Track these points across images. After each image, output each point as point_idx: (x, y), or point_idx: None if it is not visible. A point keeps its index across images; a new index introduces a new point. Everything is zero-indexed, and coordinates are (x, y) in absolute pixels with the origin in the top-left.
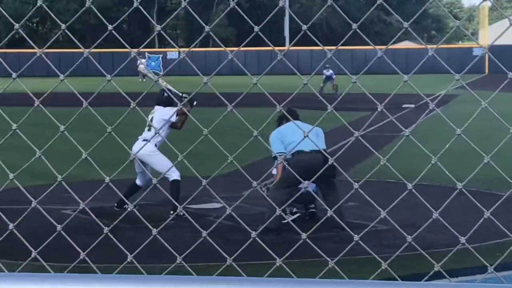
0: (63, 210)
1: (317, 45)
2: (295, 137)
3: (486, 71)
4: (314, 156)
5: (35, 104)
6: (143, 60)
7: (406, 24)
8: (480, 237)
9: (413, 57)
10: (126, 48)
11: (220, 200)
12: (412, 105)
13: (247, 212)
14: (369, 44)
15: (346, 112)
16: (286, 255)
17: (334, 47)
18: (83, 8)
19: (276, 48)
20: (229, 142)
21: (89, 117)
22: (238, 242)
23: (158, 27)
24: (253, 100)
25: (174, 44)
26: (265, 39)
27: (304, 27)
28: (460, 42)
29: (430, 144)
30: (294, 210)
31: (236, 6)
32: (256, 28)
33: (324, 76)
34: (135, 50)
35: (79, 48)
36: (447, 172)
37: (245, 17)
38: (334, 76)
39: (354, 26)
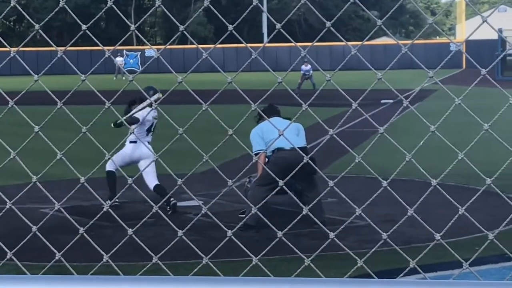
0: (41, 209)
1: (295, 41)
2: (275, 134)
3: (464, 65)
4: (294, 153)
5: (9, 105)
6: (120, 59)
7: (379, 22)
8: (459, 231)
9: (391, 53)
10: (103, 46)
11: (195, 199)
12: (391, 101)
13: (228, 209)
14: (347, 40)
15: (325, 108)
16: (263, 253)
17: (310, 43)
18: (57, 8)
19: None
20: (212, 140)
21: (68, 116)
22: (219, 240)
23: (132, 27)
24: (235, 97)
25: (150, 45)
26: (240, 38)
27: (278, 25)
28: (437, 37)
29: (411, 138)
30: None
31: (210, 6)
32: (230, 27)
33: (302, 72)
34: (111, 48)
35: (57, 46)
36: (421, 169)
37: (219, 16)
38: (311, 72)
39: (328, 24)
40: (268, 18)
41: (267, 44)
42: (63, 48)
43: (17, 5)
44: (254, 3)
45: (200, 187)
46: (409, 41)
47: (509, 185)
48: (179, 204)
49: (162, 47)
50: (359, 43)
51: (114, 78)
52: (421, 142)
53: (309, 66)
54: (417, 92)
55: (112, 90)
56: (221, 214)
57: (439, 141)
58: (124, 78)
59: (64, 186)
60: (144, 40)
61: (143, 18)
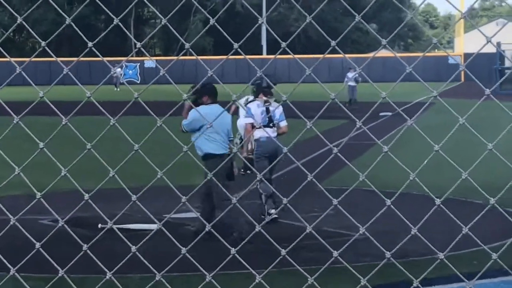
0: (40, 220)
1: (294, 54)
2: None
3: (462, 79)
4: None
5: (15, 121)
6: (119, 70)
7: (384, 42)
8: (458, 246)
9: (390, 66)
10: (102, 56)
11: (193, 211)
12: (389, 113)
13: (223, 221)
14: (346, 53)
15: (326, 120)
16: (266, 271)
17: (311, 56)
18: (62, 26)
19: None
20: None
21: (67, 126)
22: (219, 250)
23: (138, 44)
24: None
25: (151, 57)
26: (245, 56)
27: (283, 44)
28: (436, 50)
29: (411, 152)
30: (272, 211)
31: (215, 23)
32: (236, 45)
33: (347, 82)
34: (111, 59)
35: (56, 57)
36: (425, 188)
37: (224, 34)
38: (359, 80)
39: (333, 43)
40: (267, 31)
41: (266, 56)
42: (67, 68)
43: (23, 22)
44: (260, 22)
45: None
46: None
47: (508, 198)
48: (178, 216)
49: (161, 58)
50: (359, 55)
51: (115, 89)
52: (425, 161)
53: (355, 73)
54: (416, 105)
55: (113, 101)
56: (217, 226)
57: (438, 155)
58: (119, 89)
59: (63, 198)
60: (147, 55)
61: (145, 39)
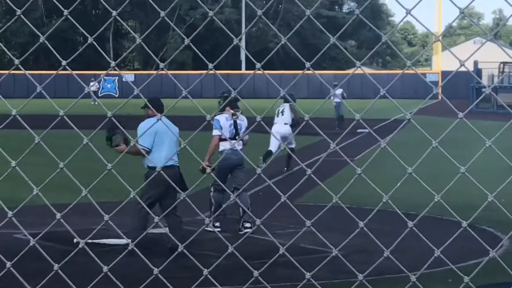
0: (15, 235)
1: (273, 69)
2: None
3: (439, 96)
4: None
5: None
6: (95, 84)
7: (358, 64)
8: (434, 263)
9: (367, 82)
10: (81, 71)
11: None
12: (366, 130)
13: (202, 237)
14: (324, 69)
15: (305, 136)
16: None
17: (290, 72)
18: (37, 44)
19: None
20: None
21: (45, 140)
22: (190, 268)
23: (112, 63)
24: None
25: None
26: (221, 78)
27: (258, 65)
28: (414, 68)
29: (387, 169)
30: (247, 225)
31: (190, 43)
32: (211, 66)
33: (333, 98)
34: (89, 72)
35: (33, 70)
36: (398, 211)
37: (199, 53)
38: (345, 96)
39: (308, 65)
40: (246, 45)
41: (244, 71)
42: (43, 72)
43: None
44: (234, 42)
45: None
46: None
47: (481, 217)
48: (155, 231)
49: (140, 72)
50: (337, 72)
51: (92, 103)
52: (398, 184)
53: (340, 90)
54: (391, 122)
55: (90, 115)
56: (195, 243)
57: (417, 173)
58: (96, 103)
59: (37, 212)
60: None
61: (122, 56)
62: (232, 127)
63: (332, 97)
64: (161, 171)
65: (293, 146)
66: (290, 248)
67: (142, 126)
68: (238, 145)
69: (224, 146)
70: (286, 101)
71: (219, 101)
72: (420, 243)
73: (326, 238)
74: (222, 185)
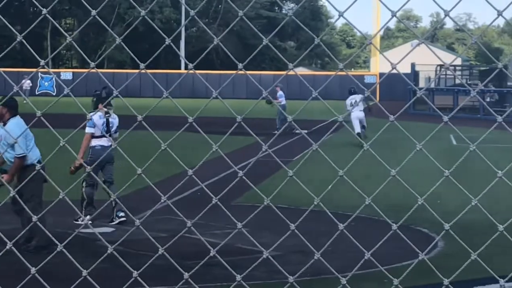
0: None
1: (212, 69)
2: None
3: (377, 98)
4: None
5: None
6: (28, 81)
7: (291, 66)
8: (368, 264)
9: (307, 83)
10: (18, 68)
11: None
12: (305, 131)
13: (139, 237)
14: (263, 70)
15: (244, 137)
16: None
17: (229, 72)
18: None
19: (171, 71)
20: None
21: None
22: (127, 267)
23: (42, 62)
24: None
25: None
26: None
27: (191, 65)
28: (352, 69)
29: (323, 169)
30: (121, 214)
31: (122, 43)
32: (142, 66)
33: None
34: (27, 70)
35: None
36: (330, 214)
37: (132, 54)
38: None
39: (240, 66)
40: (185, 45)
41: (184, 71)
42: None
43: None
44: (166, 42)
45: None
46: (326, 73)
47: (416, 217)
48: (89, 230)
49: (78, 70)
50: (276, 72)
51: (25, 101)
52: (329, 187)
53: (280, 92)
54: (330, 123)
55: (24, 113)
56: (133, 242)
57: (349, 172)
58: (25, 102)
59: None
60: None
61: (58, 49)
62: (105, 125)
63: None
64: (40, 169)
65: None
66: (228, 248)
67: (15, 131)
68: (109, 142)
69: (96, 142)
70: (268, 102)
71: (92, 99)
72: (359, 243)
73: (264, 238)
74: (97, 179)
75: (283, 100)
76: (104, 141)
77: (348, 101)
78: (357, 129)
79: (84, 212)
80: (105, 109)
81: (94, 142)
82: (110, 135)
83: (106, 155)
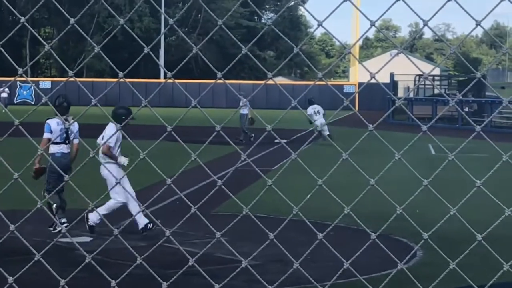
0: None
1: (191, 78)
2: None
3: (357, 107)
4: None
5: None
6: (6, 90)
7: (270, 75)
8: (348, 273)
9: (286, 92)
10: None
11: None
12: (284, 140)
13: (119, 246)
14: (242, 79)
15: (222, 146)
16: None
17: (208, 81)
18: None
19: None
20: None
21: None
22: (109, 277)
23: (20, 71)
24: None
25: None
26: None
27: (169, 74)
28: (331, 79)
29: (303, 179)
30: (63, 220)
31: (100, 51)
32: (121, 74)
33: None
34: (5, 79)
35: None
36: (307, 222)
37: (111, 63)
38: (248, 107)
39: (219, 75)
40: (164, 54)
41: (163, 80)
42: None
43: None
44: (145, 51)
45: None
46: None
47: (396, 227)
48: (68, 240)
49: (57, 79)
50: (255, 82)
51: (3, 111)
52: (308, 196)
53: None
54: (309, 132)
55: (1, 122)
56: (111, 251)
57: (329, 180)
58: (4, 111)
59: None
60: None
61: (37, 57)
62: (63, 131)
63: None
64: None
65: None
66: (207, 258)
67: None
68: (67, 149)
69: (56, 149)
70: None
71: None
72: (338, 251)
73: (243, 248)
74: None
75: (245, 110)
76: (64, 148)
77: (310, 110)
78: (326, 132)
79: (57, 217)
80: (64, 116)
81: (54, 149)
82: (68, 142)
83: (63, 162)
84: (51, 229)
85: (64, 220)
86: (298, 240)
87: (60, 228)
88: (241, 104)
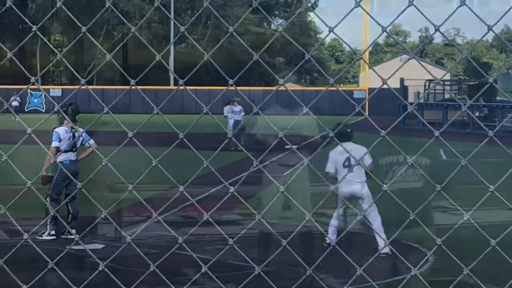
0: None
1: (201, 85)
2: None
3: (367, 113)
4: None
5: None
6: (17, 99)
7: (281, 81)
8: (361, 279)
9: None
10: (7, 85)
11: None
12: (295, 146)
13: (130, 254)
14: (252, 85)
15: (230, 152)
16: None
17: (219, 87)
18: None
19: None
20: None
21: None
22: (122, 284)
23: (32, 79)
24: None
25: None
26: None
27: (181, 81)
28: (341, 84)
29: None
30: (53, 232)
31: (111, 58)
32: (133, 82)
33: (231, 115)
34: (16, 87)
35: None
36: (320, 228)
37: (122, 70)
38: (242, 114)
39: (231, 81)
40: (174, 61)
41: (173, 87)
42: None
43: None
44: (157, 58)
45: (105, 229)
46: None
47: (409, 233)
48: (80, 247)
49: (67, 87)
50: (266, 88)
51: (13, 118)
52: (321, 202)
53: (239, 107)
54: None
55: (12, 130)
56: (124, 259)
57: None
58: (17, 119)
59: None
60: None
61: (46, 68)
62: (71, 139)
63: (230, 114)
64: None
65: None
66: (219, 264)
67: None
68: (74, 157)
69: (64, 157)
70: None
71: (59, 116)
72: (352, 258)
73: (254, 254)
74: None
75: (239, 116)
76: (72, 156)
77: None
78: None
79: (49, 227)
80: (71, 124)
81: (62, 157)
82: (76, 150)
83: (72, 170)
84: (47, 236)
85: (73, 231)
86: (305, 246)
87: (47, 237)
88: (234, 110)
